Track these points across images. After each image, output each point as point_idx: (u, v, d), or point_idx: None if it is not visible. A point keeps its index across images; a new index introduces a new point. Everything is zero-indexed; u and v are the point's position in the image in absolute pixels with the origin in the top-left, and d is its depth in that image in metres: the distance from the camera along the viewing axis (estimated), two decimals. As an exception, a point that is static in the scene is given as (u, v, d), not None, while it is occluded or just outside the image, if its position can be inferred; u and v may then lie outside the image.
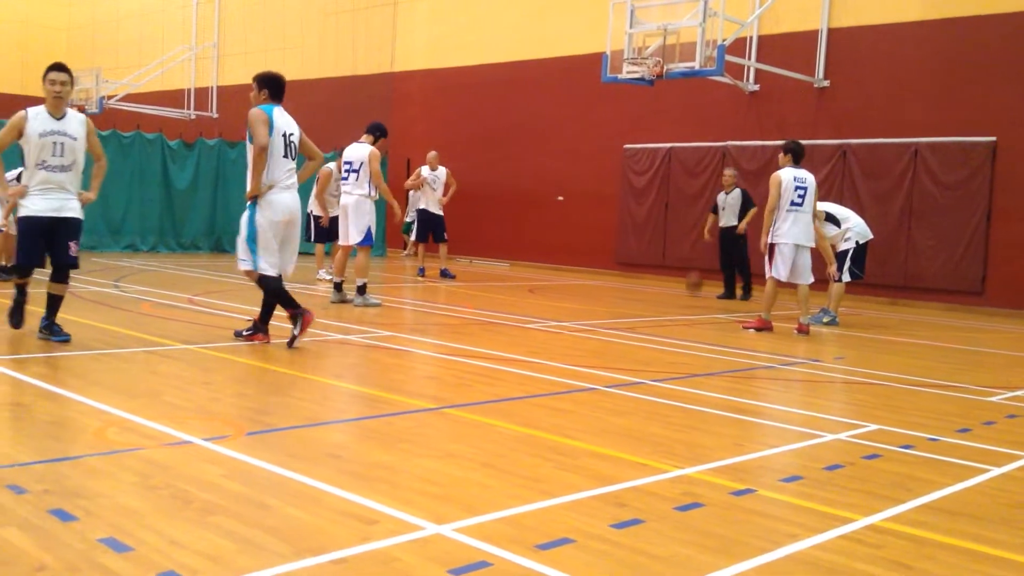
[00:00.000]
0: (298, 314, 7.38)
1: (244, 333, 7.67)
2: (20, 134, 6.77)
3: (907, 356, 9.06)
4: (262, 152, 7.26)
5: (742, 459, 4.66)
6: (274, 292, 7.48)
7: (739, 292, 14.30)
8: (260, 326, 7.62)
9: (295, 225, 7.58)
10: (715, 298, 14.29)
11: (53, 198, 6.86)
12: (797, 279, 10.19)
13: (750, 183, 15.96)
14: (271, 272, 7.41)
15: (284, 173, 7.43)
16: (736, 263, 14.23)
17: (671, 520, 3.60)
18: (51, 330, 7.08)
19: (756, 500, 3.94)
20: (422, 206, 15.85)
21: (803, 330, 10.09)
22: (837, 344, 9.76)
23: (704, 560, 3.19)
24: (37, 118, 6.80)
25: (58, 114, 6.86)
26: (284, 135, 7.42)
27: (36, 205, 6.81)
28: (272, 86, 7.55)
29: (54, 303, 7.11)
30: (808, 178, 10.16)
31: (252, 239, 7.40)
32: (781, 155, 10.41)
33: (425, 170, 15.73)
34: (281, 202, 7.40)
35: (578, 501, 3.78)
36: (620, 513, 3.65)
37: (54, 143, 6.80)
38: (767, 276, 10.28)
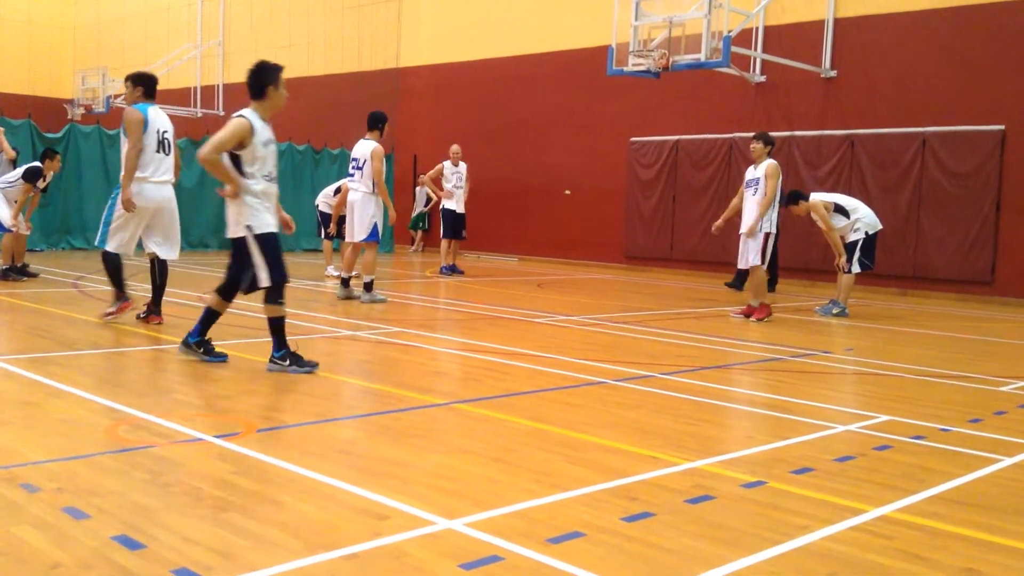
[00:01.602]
0: (121, 297, 8.14)
1: (140, 316, 8.21)
2: (241, 145, 6.05)
3: (917, 347, 9.04)
4: (139, 154, 7.77)
5: (753, 451, 4.65)
6: (110, 270, 8.13)
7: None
8: (152, 308, 8.24)
9: (166, 213, 8.08)
10: (723, 285, 14.26)
11: (273, 214, 6.36)
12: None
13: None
14: (117, 250, 8.03)
15: (156, 168, 7.92)
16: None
17: (682, 513, 3.60)
18: (297, 360, 6.25)
19: (767, 492, 3.94)
20: (446, 206, 15.72)
21: (753, 313, 10.40)
22: (847, 335, 9.74)
23: (715, 552, 3.19)
24: (257, 123, 6.12)
25: (268, 121, 6.32)
26: (158, 131, 7.94)
27: (269, 220, 6.22)
28: (146, 84, 8.07)
29: (281, 327, 6.32)
30: None
31: (108, 219, 7.97)
32: (761, 144, 10.39)
33: (448, 166, 15.65)
34: (148, 192, 7.87)
35: (588, 495, 3.78)
36: (631, 506, 3.65)
37: (272, 152, 6.31)
38: (752, 264, 10.31)
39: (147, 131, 7.83)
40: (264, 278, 6.14)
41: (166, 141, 8.01)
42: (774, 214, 10.26)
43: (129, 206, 7.71)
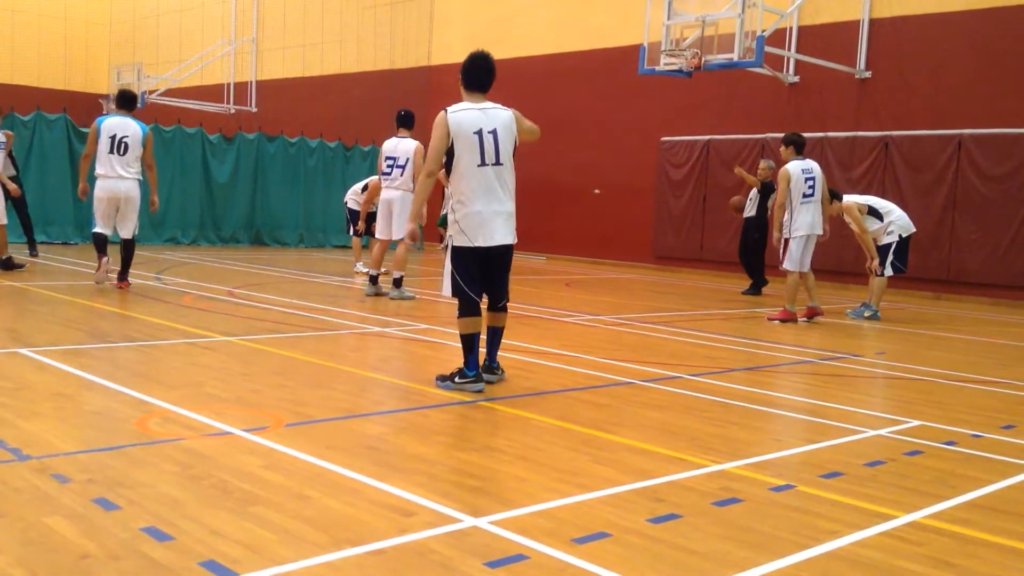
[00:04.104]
0: (100, 256, 10.02)
1: (113, 284, 10.04)
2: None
3: (950, 351, 8.93)
4: (87, 158, 9.91)
5: (781, 454, 4.61)
6: (94, 243, 10.09)
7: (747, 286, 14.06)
8: (121, 276, 10.08)
9: (120, 202, 9.86)
10: (740, 294, 14.05)
11: None
12: (804, 268, 10.27)
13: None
14: (98, 230, 9.97)
15: (111, 166, 9.76)
16: (750, 255, 13.92)
17: (709, 515, 3.58)
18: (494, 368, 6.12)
19: (796, 496, 3.90)
20: None
21: (817, 312, 10.33)
22: (879, 339, 9.64)
23: (742, 556, 3.17)
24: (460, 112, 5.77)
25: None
26: (112, 137, 9.75)
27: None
28: (117, 98, 10.13)
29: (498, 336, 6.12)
30: (814, 167, 10.31)
31: (92, 207, 10.09)
32: (783, 148, 10.55)
33: None
34: (103, 185, 9.81)
35: (615, 495, 3.77)
36: (657, 508, 3.63)
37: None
38: (782, 268, 10.32)
39: (100, 138, 9.76)
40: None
41: (123, 144, 9.76)
42: (799, 217, 10.05)
43: (81, 196, 10.06)
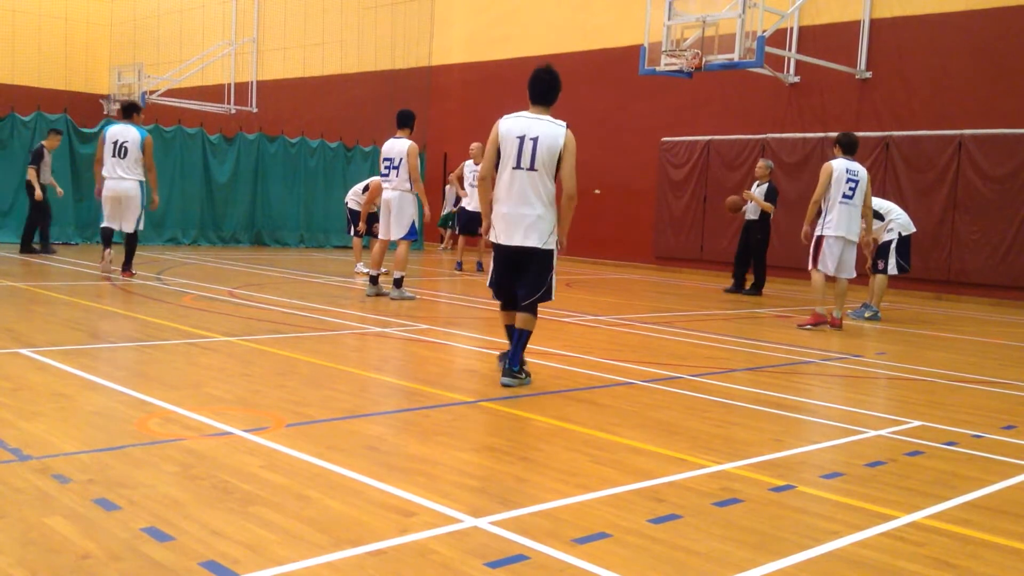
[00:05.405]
0: (104, 254, 11.18)
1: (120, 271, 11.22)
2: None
3: (951, 352, 8.92)
4: (97, 161, 11.17)
5: (782, 455, 4.61)
6: (102, 237, 11.32)
7: (746, 285, 13.98)
8: (125, 267, 11.23)
9: (122, 200, 11.10)
10: (722, 291, 14.03)
11: None
12: (840, 273, 9.98)
13: (790, 176, 15.80)
14: (105, 224, 11.24)
15: (113, 168, 11.01)
16: (753, 256, 13.88)
17: (709, 516, 3.58)
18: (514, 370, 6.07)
19: (796, 496, 3.90)
20: (463, 205, 15.70)
21: (836, 324, 9.91)
22: (879, 339, 9.63)
23: (743, 556, 3.17)
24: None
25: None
26: (114, 143, 11.00)
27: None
28: (122, 109, 11.70)
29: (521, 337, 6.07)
30: (860, 171, 9.87)
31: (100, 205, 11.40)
32: (834, 147, 10.17)
33: (468, 165, 15.59)
34: (107, 185, 11.07)
35: (615, 495, 3.77)
36: (657, 508, 3.63)
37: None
38: (810, 269, 10.06)
39: (104, 144, 10.99)
40: (553, 291, 6.09)
41: (123, 149, 10.97)
42: (833, 216, 9.73)
43: (97, 196, 11.24)
